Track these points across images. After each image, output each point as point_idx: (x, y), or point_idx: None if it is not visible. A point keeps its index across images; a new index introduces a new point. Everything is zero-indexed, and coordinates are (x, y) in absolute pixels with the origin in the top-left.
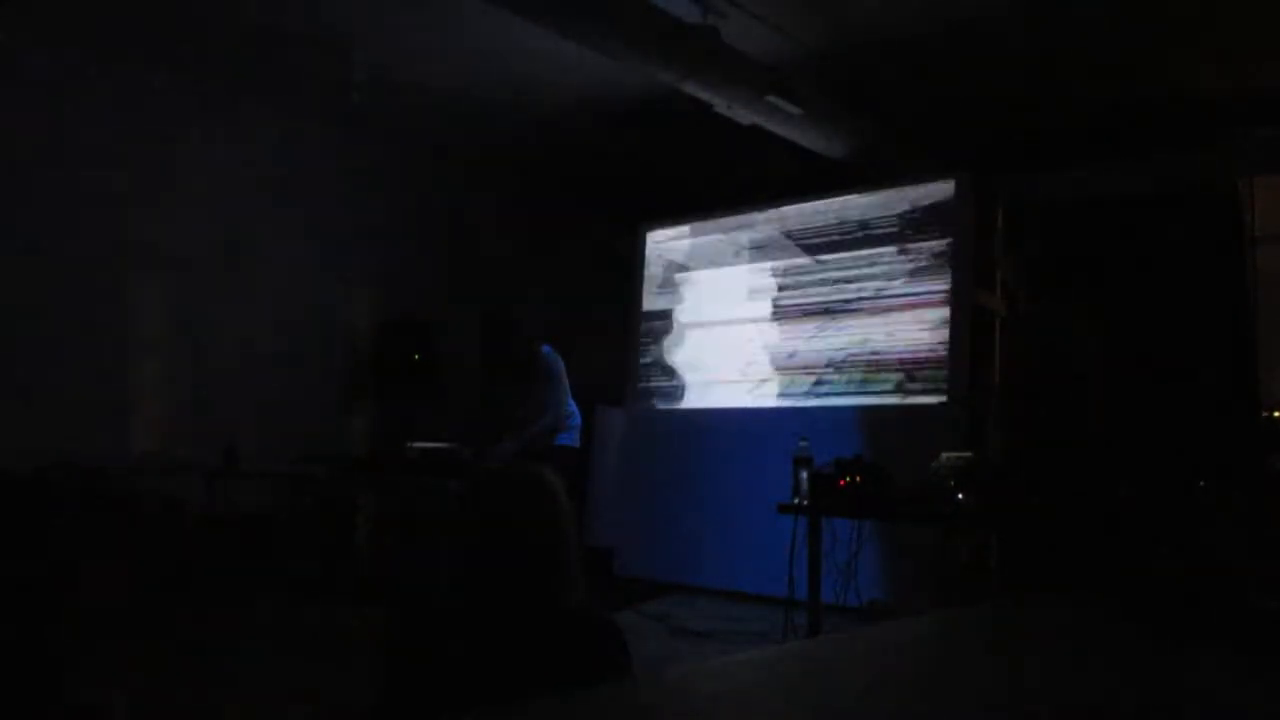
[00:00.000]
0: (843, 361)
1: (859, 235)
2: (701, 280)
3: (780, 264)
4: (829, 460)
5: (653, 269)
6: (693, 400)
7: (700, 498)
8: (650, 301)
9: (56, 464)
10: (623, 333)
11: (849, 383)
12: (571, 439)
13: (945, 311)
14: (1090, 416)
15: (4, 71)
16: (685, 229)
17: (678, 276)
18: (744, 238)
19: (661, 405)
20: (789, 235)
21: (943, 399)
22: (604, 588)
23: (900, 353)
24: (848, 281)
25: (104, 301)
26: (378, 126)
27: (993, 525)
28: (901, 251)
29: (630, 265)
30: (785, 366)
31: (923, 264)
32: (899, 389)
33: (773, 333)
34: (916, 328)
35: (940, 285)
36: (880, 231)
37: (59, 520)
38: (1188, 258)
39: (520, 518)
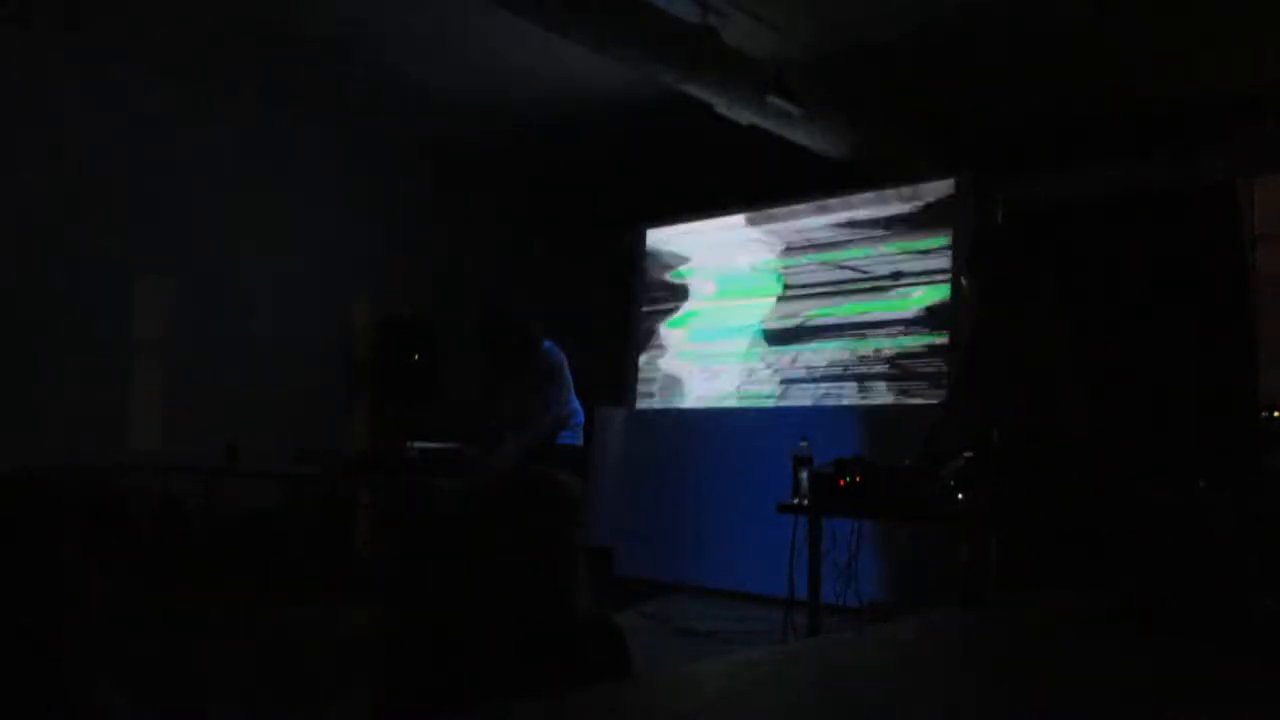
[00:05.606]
0: (843, 361)
1: (859, 235)
2: (701, 279)
3: (780, 263)
4: (829, 460)
5: (653, 268)
6: (693, 400)
7: (700, 498)
8: (650, 301)
9: (56, 464)
10: (623, 333)
11: (849, 382)
12: (575, 438)
13: (945, 311)
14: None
15: (5, 72)
16: (685, 228)
17: (677, 276)
18: (743, 237)
19: (661, 405)
20: (789, 235)
21: (943, 399)
22: (604, 588)
23: (901, 352)
24: (847, 281)
25: (104, 301)
26: (378, 126)
27: (993, 525)
28: (901, 251)
29: (630, 265)
30: (785, 366)
31: (922, 263)
32: (899, 388)
33: (773, 332)
34: (916, 327)
35: (940, 284)
36: (880, 231)
37: (58, 521)
38: (1187, 257)
39: (536, 521)
